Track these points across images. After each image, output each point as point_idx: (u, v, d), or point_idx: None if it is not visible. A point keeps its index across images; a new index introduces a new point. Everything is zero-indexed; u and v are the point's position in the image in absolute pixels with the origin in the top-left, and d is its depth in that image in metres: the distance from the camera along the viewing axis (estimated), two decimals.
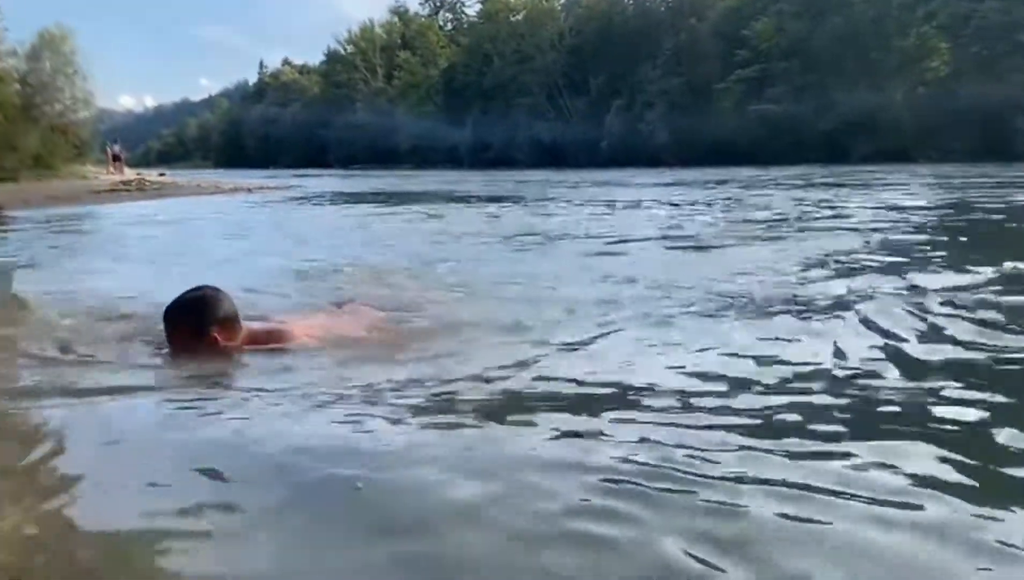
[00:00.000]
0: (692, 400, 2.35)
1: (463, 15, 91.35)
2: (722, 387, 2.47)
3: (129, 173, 34.19)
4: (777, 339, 3.10)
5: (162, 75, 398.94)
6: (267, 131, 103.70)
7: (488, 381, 2.58)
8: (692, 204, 13.53)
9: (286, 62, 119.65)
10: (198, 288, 3.03)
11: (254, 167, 79.86)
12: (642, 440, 2.00)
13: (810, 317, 3.51)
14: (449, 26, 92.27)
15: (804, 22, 51.74)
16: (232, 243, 8.93)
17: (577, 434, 2.05)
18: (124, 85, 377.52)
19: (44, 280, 5.46)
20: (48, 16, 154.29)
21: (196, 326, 2.94)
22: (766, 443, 1.93)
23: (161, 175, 36.33)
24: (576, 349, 3.03)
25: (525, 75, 72.87)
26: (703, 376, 2.58)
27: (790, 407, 2.26)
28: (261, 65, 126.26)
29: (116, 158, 37.20)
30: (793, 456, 1.88)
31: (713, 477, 1.74)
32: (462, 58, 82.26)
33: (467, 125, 75.07)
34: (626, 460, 1.83)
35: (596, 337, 3.24)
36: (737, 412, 2.21)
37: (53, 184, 26.47)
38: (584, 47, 69.56)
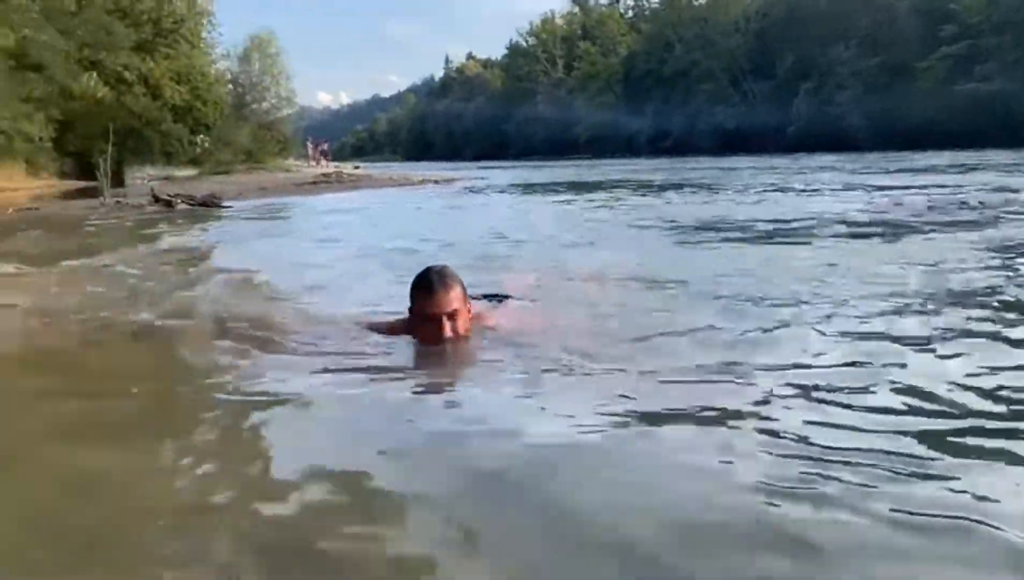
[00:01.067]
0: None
1: (644, 2, 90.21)
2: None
3: (328, 166, 36.59)
4: None
5: (356, 73, 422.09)
6: (451, 125, 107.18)
7: (670, 383, 2.56)
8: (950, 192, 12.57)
9: (470, 56, 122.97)
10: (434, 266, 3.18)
11: (439, 160, 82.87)
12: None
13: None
14: (630, 13, 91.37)
15: None
16: (428, 229, 9.37)
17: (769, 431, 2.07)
18: (323, 83, 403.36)
19: (282, 266, 6.00)
20: (256, 19, 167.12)
21: (464, 292, 3.08)
22: None
23: (356, 168, 38.54)
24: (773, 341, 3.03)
25: (707, 60, 70.98)
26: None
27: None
28: (447, 60, 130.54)
29: (324, 154, 39.81)
30: None
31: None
32: (643, 45, 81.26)
33: (646, 113, 74.09)
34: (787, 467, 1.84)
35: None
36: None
37: (262, 176, 28.79)
38: (770, 29, 66.84)
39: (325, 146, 42.08)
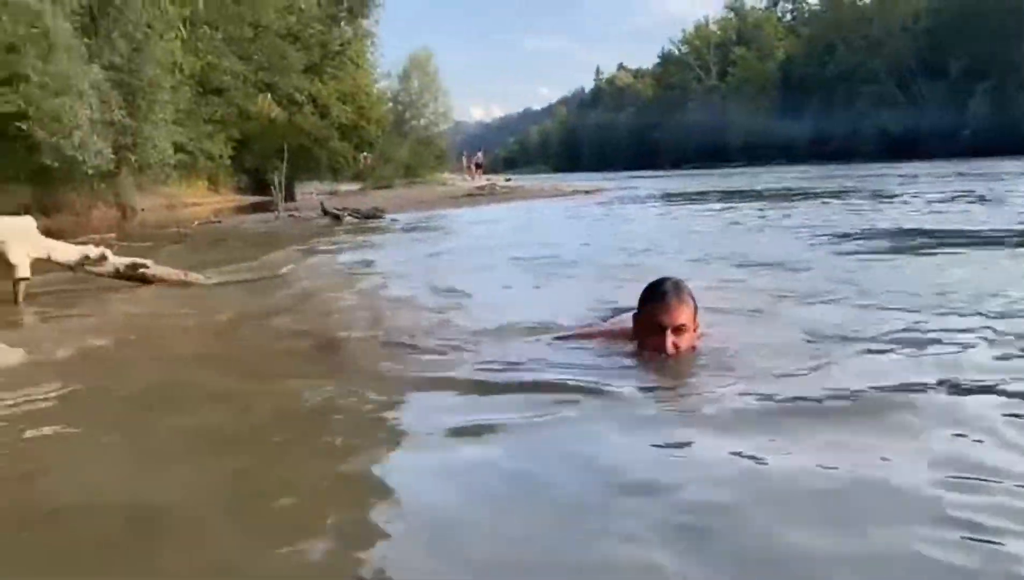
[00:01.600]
0: None
1: (804, 4, 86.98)
2: None
3: (480, 179, 37.36)
4: None
5: (507, 87, 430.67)
6: (602, 135, 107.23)
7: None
8: None
9: (621, 67, 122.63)
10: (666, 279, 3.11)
11: (589, 170, 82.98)
12: None
13: None
14: (788, 17, 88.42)
15: None
16: (583, 239, 9.38)
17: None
18: (475, 98, 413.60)
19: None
20: (412, 37, 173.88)
21: (695, 310, 3.01)
22: None
23: (507, 180, 39.13)
24: None
25: (872, 61, 67.52)
26: None
27: None
28: (597, 72, 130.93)
29: (478, 166, 40.69)
30: None
31: None
32: (802, 49, 78.61)
33: (805, 118, 71.50)
34: None
35: None
36: None
37: (420, 190, 29.81)
38: (943, 27, 62.71)
39: (480, 158, 42.93)
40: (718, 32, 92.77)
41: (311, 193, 30.41)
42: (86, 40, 14.11)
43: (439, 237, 12.23)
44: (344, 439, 2.45)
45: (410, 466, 2.21)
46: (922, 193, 15.27)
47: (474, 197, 23.30)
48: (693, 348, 3.01)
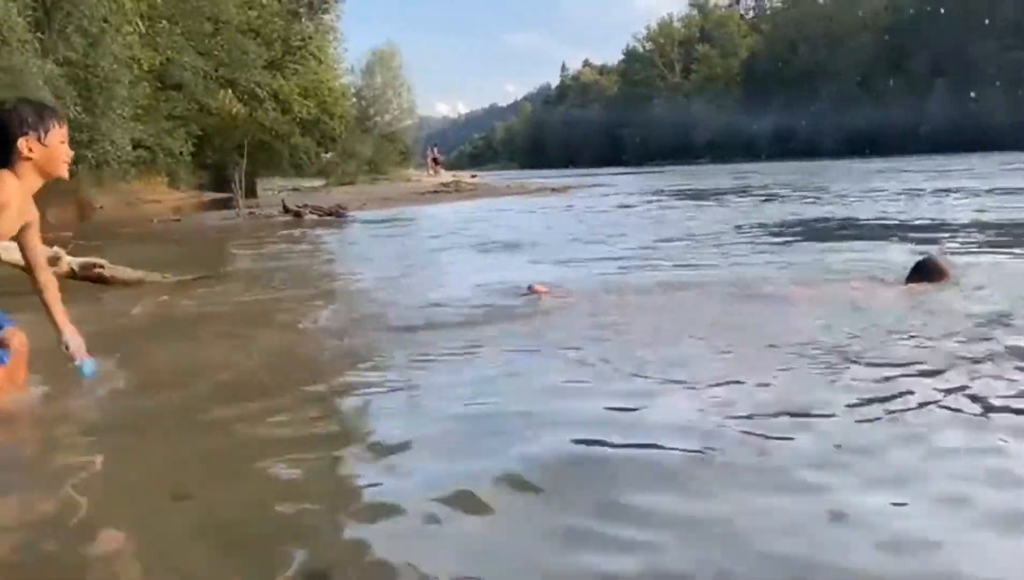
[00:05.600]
0: None
1: (766, 2, 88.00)
2: None
3: (445, 175, 37.15)
4: None
5: (473, 83, 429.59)
6: (567, 132, 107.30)
7: None
8: None
9: (586, 63, 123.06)
10: None
11: (555, 167, 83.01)
12: None
13: None
14: (751, 14, 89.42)
15: None
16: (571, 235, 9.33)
17: None
18: (441, 93, 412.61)
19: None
20: (378, 33, 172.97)
21: None
22: None
23: (473, 177, 38.95)
24: None
25: (834, 60, 68.55)
26: None
27: None
28: (563, 68, 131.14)
29: (436, 161, 40.47)
30: None
31: None
32: (765, 46, 79.58)
33: (768, 115, 72.33)
34: None
35: None
36: None
37: (385, 187, 29.64)
38: (903, 24, 63.84)
39: (437, 152, 42.66)
40: (682, 29, 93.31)
41: (273, 190, 30.07)
42: (39, 35, 13.78)
43: (401, 234, 12.15)
44: None
45: None
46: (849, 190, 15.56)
47: (439, 194, 23.19)
48: None
